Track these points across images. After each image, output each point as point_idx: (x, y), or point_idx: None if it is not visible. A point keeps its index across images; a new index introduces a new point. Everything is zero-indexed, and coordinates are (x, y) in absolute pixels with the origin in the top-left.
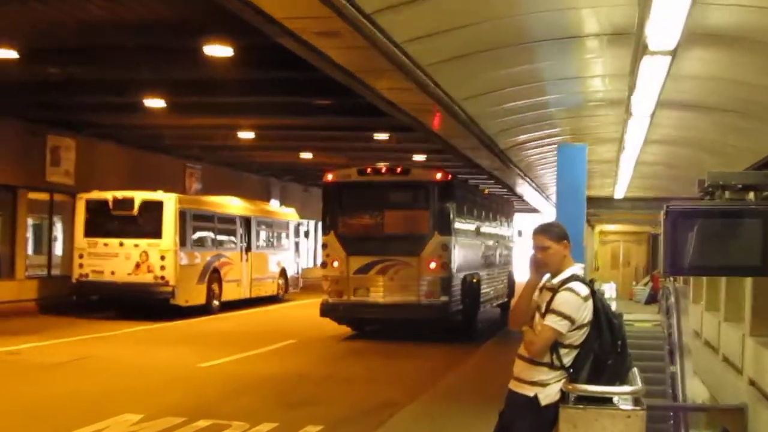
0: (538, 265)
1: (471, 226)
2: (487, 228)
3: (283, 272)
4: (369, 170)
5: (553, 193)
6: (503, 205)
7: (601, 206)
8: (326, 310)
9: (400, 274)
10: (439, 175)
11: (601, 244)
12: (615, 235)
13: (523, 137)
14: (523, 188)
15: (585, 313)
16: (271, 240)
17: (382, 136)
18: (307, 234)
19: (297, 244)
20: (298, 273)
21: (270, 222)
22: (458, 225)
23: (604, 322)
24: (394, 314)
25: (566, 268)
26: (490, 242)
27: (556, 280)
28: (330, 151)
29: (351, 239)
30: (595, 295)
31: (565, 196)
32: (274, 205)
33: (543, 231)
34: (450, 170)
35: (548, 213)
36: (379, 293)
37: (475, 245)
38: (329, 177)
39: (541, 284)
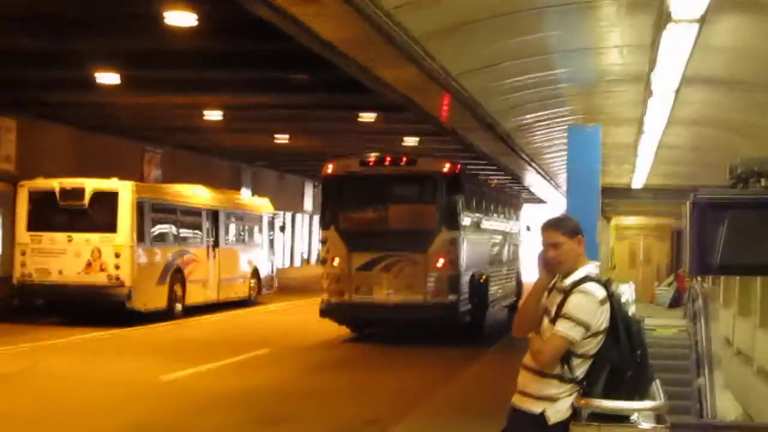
0: (549, 264)
1: (479, 221)
2: (495, 223)
3: (255, 272)
4: (372, 161)
5: (563, 182)
6: (511, 198)
7: (617, 196)
8: (326, 311)
9: (405, 271)
10: (447, 167)
11: (618, 239)
12: (633, 229)
13: (529, 118)
14: (530, 176)
15: (601, 318)
16: (242, 235)
17: (368, 117)
18: (282, 228)
19: (271, 240)
20: (272, 273)
21: (240, 214)
22: (466, 219)
23: (622, 329)
24: (399, 314)
25: (580, 267)
26: (498, 238)
27: (568, 281)
28: (308, 133)
29: (352, 234)
30: (612, 298)
31: (576, 185)
32: (245, 195)
33: (554, 225)
34: (446, 155)
35: (557, 205)
36: (382, 292)
37: (483, 241)
38: (329, 168)
39: (550, 285)
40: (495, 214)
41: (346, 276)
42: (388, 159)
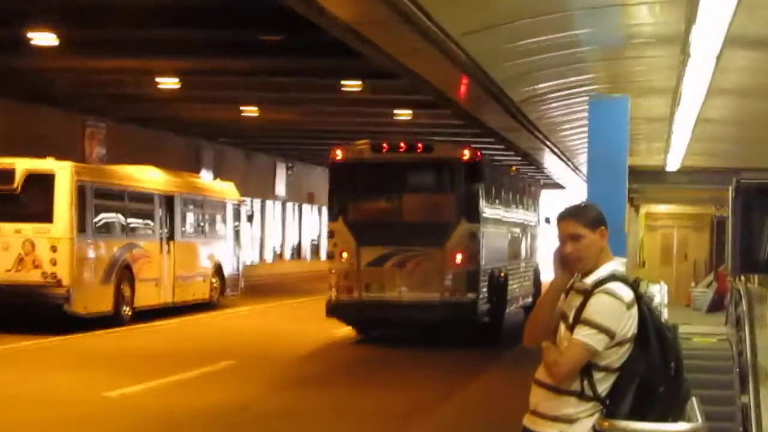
0: (567, 261)
1: (499, 212)
2: (514, 213)
3: (218, 269)
4: (385, 147)
5: (583, 163)
6: (530, 186)
7: (648, 180)
8: (333, 310)
9: (420, 267)
10: (467, 153)
11: (649, 231)
12: (667, 218)
13: (543, 87)
14: (544, 157)
15: (628, 324)
16: (202, 226)
17: (353, 85)
18: (250, 218)
19: (237, 232)
20: (238, 270)
21: (201, 201)
22: (487, 211)
23: (653, 337)
24: (413, 314)
25: (603, 263)
26: (517, 231)
27: (589, 280)
28: (282, 104)
29: (363, 227)
30: (641, 301)
31: (598, 166)
32: (206, 178)
33: (572, 215)
34: (444, 132)
35: (577, 190)
36: (395, 290)
37: (503, 234)
38: (338, 154)
39: (568, 286)
40: (514, 204)
41: (355, 272)
42: (403, 144)
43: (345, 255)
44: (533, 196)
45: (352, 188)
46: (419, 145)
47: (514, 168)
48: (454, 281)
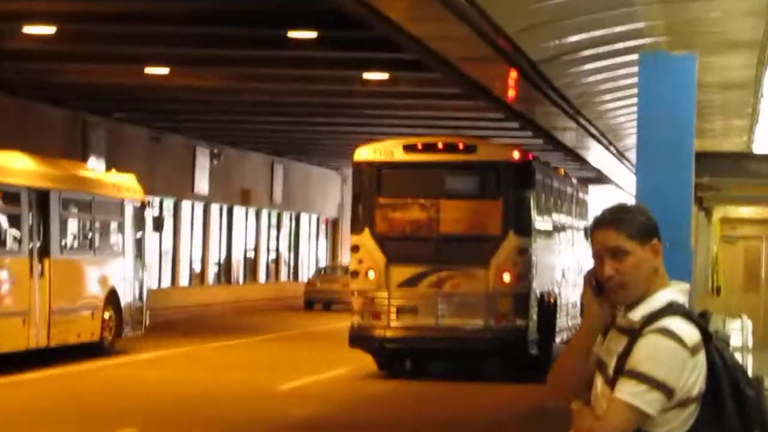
0: (606, 288)
1: (550, 224)
2: (564, 225)
3: (112, 298)
4: (419, 146)
5: (631, 148)
6: (578, 191)
7: (724, 171)
8: (357, 338)
9: (461, 289)
10: (516, 154)
11: (726, 244)
12: (752, 226)
13: (573, 39)
14: (573, 138)
15: (693, 377)
16: (91, 236)
17: (303, 34)
18: (159, 223)
19: (140, 244)
20: (141, 300)
21: (88, 201)
22: (538, 222)
23: (728, 395)
24: (452, 344)
25: (655, 291)
26: (567, 246)
27: (636, 315)
28: (204, 64)
29: (393, 241)
30: (712, 344)
31: (652, 152)
32: (95, 168)
33: (614, 222)
34: (434, 105)
35: (623, 185)
36: (431, 315)
37: (553, 250)
38: (363, 154)
39: (608, 322)
40: (563, 214)
41: (383, 294)
42: (441, 144)
43: (371, 274)
44: (581, 203)
45: (380, 195)
46: (460, 144)
47: (562, 170)
48: (501, 306)
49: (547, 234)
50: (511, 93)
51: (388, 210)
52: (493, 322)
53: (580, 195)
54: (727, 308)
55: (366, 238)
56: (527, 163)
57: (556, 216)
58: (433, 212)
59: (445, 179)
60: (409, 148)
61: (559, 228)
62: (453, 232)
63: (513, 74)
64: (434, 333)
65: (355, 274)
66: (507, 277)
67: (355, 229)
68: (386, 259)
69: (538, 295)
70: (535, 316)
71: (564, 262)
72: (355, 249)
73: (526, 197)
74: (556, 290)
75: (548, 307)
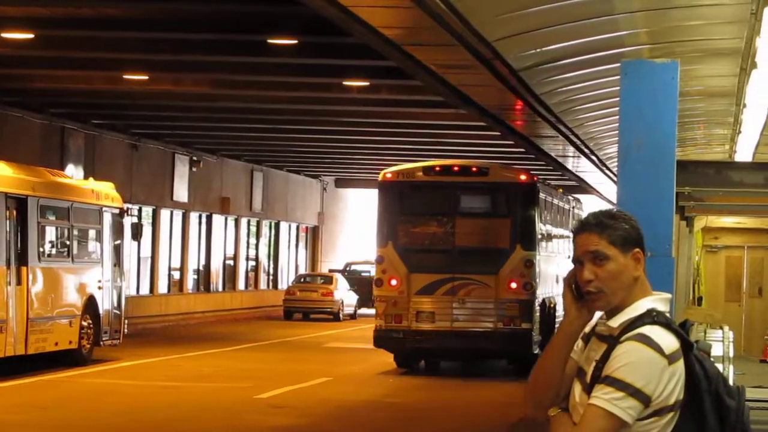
0: (586, 293)
1: (551, 238)
2: (562, 238)
3: (91, 306)
4: (438, 168)
5: (613, 157)
6: (574, 207)
7: (706, 180)
8: (380, 339)
9: (473, 295)
10: (523, 177)
11: (708, 253)
12: (734, 236)
13: (554, 47)
14: (555, 146)
15: (671, 385)
16: (69, 244)
17: (283, 40)
18: (137, 231)
19: (118, 253)
20: (120, 308)
21: (66, 209)
22: (541, 237)
23: (709, 405)
24: (465, 344)
25: (636, 299)
26: (564, 256)
27: (616, 322)
28: (183, 69)
29: (413, 252)
30: (693, 353)
31: (634, 160)
32: (73, 175)
33: (596, 226)
34: (411, 109)
35: (604, 193)
36: (447, 319)
37: (553, 261)
38: (387, 175)
39: (587, 328)
40: (562, 228)
41: (404, 300)
42: (457, 167)
43: (394, 282)
44: (578, 218)
45: (402, 211)
46: (473, 167)
47: (560, 189)
48: (509, 311)
49: (549, 247)
50: (484, 101)
51: (409, 225)
52: (502, 325)
53: (576, 210)
54: (709, 318)
55: (389, 251)
56: (532, 185)
57: (556, 230)
58: (449, 227)
59: (460, 198)
60: (428, 171)
61: (558, 241)
62: (467, 245)
63: (494, 83)
64: (449, 335)
65: (379, 282)
66: (514, 286)
67: (380, 242)
68: (407, 268)
69: (541, 301)
70: (538, 320)
71: (562, 271)
72: (379, 260)
73: (532, 215)
74: (556, 297)
75: (549, 312)
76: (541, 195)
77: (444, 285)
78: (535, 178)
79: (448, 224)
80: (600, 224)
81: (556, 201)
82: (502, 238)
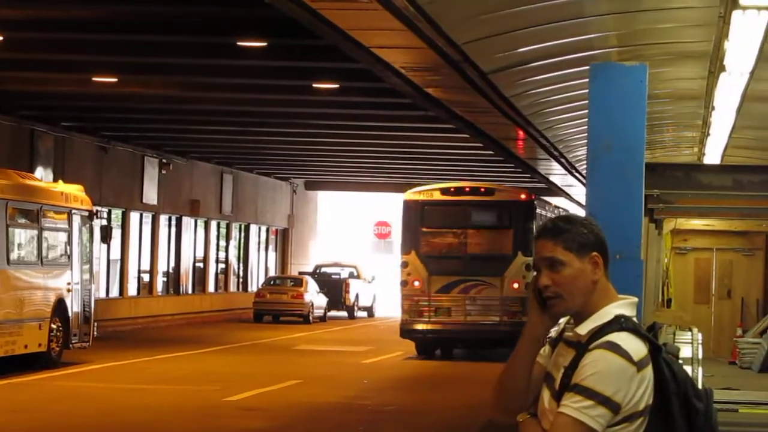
0: (546, 300)
1: None
2: None
3: (60, 309)
4: (452, 189)
5: (582, 159)
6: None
7: (675, 183)
8: (405, 331)
9: (482, 294)
10: (523, 196)
11: (676, 256)
12: (703, 238)
13: (523, 50)
14: (524, 149)
15: (639, 391)
16: (38, 246)
17: (251, 45)
18: (106, 234)
19: (88, 255)
20: (89, 311)
21: (35, 211)
22: None
23: (677, 408)
24: (476, 334)
25: (602, 305)
26: None
27: (584, 329)
28: (152, 71)
29: (432, 259)
30: (661, 357)
31: (603, 163)
32: (42, 178)
33: (551, 232)
34: (383, 111)
35: (574, 196)
36: (460, 313)
37: None
38: (411, 195)
39: (553, 333)
40: None
41: (426, 298)
42: (468, 188)
43: (417, 283)
44: None
45: (423, 225)
46: (482, 188)
47: (554, 203)
48: (512, 306)
49: None
50: (457, 106)
51: (429, 236)
52: (506, 318)
53: None
54: (678, 320)
55: (413, 257)
56: (531, 202)
57: None
58: (462, 238)
59: (471, 214)
60: (444, 191)
61: None
62: (477, 252)
63: (463, 85)
64: (462, 327)
65: (404, 283)
66: (516, 285)
67: (404, 250)
68: (428, 272)
69: None
70: None
71: None
72: (404, 265)
73: (530, 226)
74: None
75: None
76: (538, 210)
77: (458, 285)
78: (533, 197)
79: (461, 235)
80: (555, 229)
81: (550, 215)
82: (505, 246)
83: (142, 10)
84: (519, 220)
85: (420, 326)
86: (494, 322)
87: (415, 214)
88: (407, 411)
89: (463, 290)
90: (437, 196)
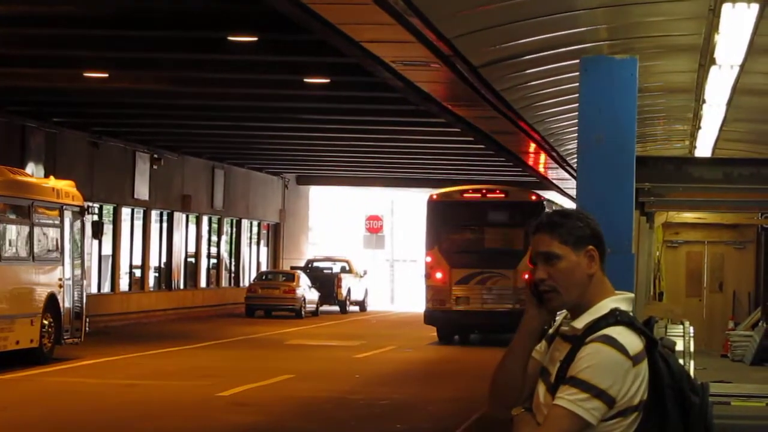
0: (542, 295)
1: None
2: None
3: (52, 305)
4: (471, 192)
5: (572, 152)
6: None
7: (666, 177)
8: (428, 318)
9: (497, 284)
10: (533, 197)
11: (668, 249)
12: (694, 231)
13: (514, 44)
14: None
15: (635, 385)
16: (29, 242)
17: (242, 40)
18: (98, 230)
19: (79, 251)
20: (81, 306)
21: (26, 207)
22: None
23: (672, 403)
24: (491, 320)
25: (598, 299)
26: None
27: (580, 323)
28: (143, 66)
29: (453, 253)
30: (656, 350)
31: (593, 157)
32: (33, 174)
33: (548, 226)
34: (374, 105)
35: (565, 189)
36: (478, 302)
37: None
38: (434, 197)
39: (551, 328)
40: None
41: (447, 288)
42: (485, 190)
43: (439, 275)
44: None
45: (445, 223)
46: (497, 191)
47: (560, 204)
48: (522, 295)
49: None
50: (452, 98)
51: (450, 233)
52: (519, 306)
53: None
54: (670, 314)
55: (436, 252)
56: (540, 203)
57: None
58: (480, 235)
59: (488, 213)
60: (464, 193)
61: None
62: (492, 248)
63: (454, 79)
64: (480, 314)
65: (428, 275)
66: (527, 277)
67: (429, 245)
68: (449, 265)
69: None
70: None
71: None
72: (429, 259)
73: None
74: None
75: None
76: (546, 210)
77: (476, 277)
78: (542, 197)
79: (479, 232)
80: (550, 224)
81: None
82: (517, 242)
83: (133, 5)
84: (530, 218)
85: (442, 314)
86: (508, 310)
87: (437, 213)
88: (399, 405)
89: (480, 281)
90: (457, 197)
